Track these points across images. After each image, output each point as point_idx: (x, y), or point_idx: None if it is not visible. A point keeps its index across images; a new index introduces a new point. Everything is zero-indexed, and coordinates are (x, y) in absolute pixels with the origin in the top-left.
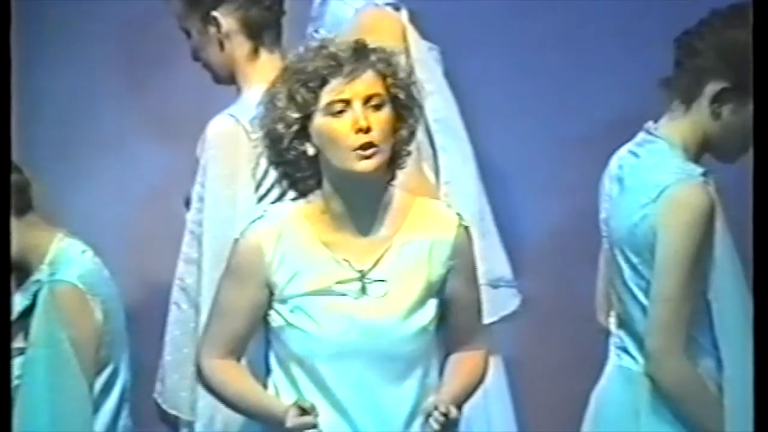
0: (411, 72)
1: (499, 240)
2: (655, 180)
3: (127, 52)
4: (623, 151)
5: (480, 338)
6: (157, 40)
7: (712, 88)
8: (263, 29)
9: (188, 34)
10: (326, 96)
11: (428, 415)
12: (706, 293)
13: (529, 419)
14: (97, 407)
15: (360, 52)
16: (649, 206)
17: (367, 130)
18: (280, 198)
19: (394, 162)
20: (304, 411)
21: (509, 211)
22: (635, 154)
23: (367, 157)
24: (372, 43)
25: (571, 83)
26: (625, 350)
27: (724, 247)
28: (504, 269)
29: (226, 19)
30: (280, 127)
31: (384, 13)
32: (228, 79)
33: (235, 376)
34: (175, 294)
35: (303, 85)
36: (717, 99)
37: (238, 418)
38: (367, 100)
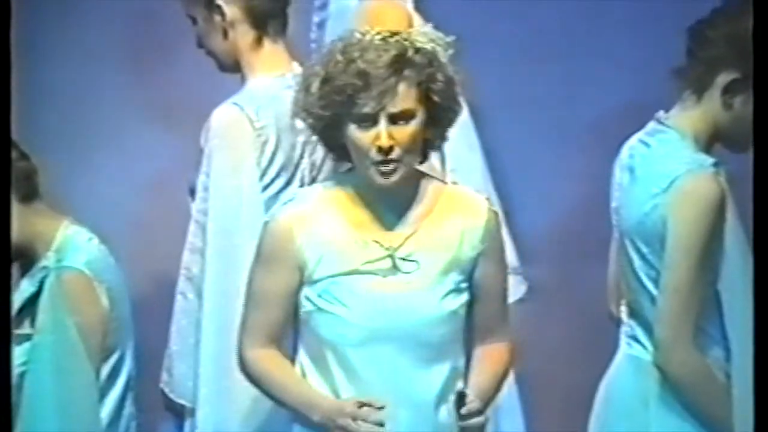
0: (450, 70)
1: (506, 228)
2: (666, 170)
3: (132, 40)
4: (634, 140)
5: (504, 330)
6: (161, 28)
7: (724, 78)
8: (268, 18)
9: (194, 21)
10: (355, 108)
11: (457, 399)
12: (715, 284)
13: (536, 407)
14: (102, 394)
15: (395, 66)
16: (659, 196)
17: (390, 149)
18: (285, 187)
19: (427, 150)
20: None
21: (516, 199)
22: (646, 144)
23: (388, 174)
24: (413, 47)
25: (579, 71)
26: (636, 339)
27: (734, 237)
28: (510, 257)
29: (230, 8)
30: (311, 120)
31: (388, 1)
32: (232, 68)
33: (278, 366)
34: (181, 284)
35: (332, 93)
36: (729, 89)
37: (240, 407)
38: (395, 117)
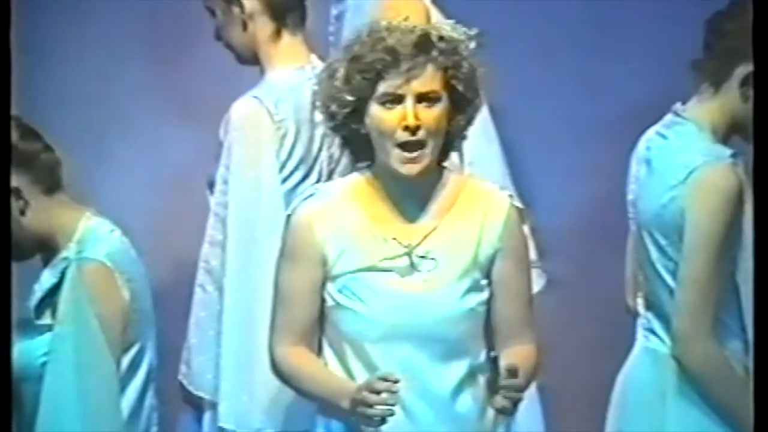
0: (474, 62)
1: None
2: (684, 162)
3: (151, 34)
4: (651, 132)
5: (528, 332)
6: (180, 21)
7: (741, 70)
8: (286, 11)
9: (212, 13)
10: (381, 87)
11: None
12: (734, 275)
13: (554, 401)
14: (123, 386)
15: (422, 46)
16: (677, 188)
17: (416, 129)
18: (303, 179)
19: (448, 145)
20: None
21: (533, 192)
22: (663, 136)
23: (412, 161)
24: (438, 34)
25: (596, 66)
26: (653, 332)
27: (752, 228)
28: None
29: (249, 0)
30: (334, 106)
31: None
32: (251, 60)
33: (306, 362)
34: (200, 276)
35: (360, 72)
36: (747, 82)
37: (262, 400)
38: (421, 97)
